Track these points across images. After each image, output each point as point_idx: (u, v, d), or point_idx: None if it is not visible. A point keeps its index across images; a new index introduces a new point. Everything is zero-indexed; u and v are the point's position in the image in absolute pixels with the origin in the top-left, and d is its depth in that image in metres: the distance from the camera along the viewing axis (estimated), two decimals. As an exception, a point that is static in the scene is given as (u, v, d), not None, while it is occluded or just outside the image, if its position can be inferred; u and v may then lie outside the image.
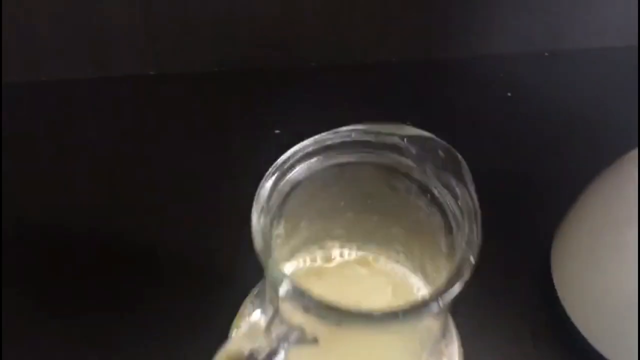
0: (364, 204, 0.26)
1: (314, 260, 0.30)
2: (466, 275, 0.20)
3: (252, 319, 0.22)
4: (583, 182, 0.36)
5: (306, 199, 0.24)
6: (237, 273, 0.32)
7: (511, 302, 0.37)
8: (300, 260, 0.30)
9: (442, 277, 0.26)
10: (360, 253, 0.30)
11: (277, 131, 0.45)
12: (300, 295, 0.20)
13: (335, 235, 0.28)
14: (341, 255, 0.30)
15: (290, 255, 0.29)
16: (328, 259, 0.30)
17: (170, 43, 0.47)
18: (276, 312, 0.22)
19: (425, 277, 0.28)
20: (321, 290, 0.29)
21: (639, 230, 0.31)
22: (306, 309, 0.20)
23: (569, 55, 0.51)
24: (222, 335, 0.26)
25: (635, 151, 0.33)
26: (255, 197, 0.21)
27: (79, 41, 0.46)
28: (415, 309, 0.20)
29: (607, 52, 0.51)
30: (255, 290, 0.29)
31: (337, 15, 0.47)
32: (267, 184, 0.21)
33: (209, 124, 0.46)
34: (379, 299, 0.30)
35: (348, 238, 0.29)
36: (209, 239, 0.38)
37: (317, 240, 0.28)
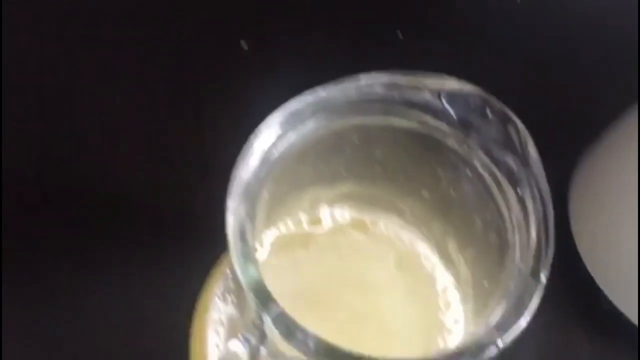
0: (370, 171, 0.19)
1: (298, 224, 0.24)
2: (532, 307, 0.14)
3: (230, 348, 0.16)
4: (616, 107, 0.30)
5: (297, 169, 0.18)
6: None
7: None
8: (281, 226, 0.24)
9: (469, 263, 0.20)
10: (354, 214, 0.24)
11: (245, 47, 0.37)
12: (293, 335, 0.14)
13: (327, 200, 0.22)
14: (332, 217, 0.24)
15: (268, 221, 0.23)
16: (316, 221, 0.24)
17: None
18: (263, 337, 0.16)
19: (442, 254, 0.22)
20: (309, 266, 0.24)
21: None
22: (305, 353, 0.14)
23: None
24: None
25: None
26: (229, 194, 0.14)
27: None
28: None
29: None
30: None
31: None
32: (248, 169, 0.15)
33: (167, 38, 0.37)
34: (381, 271, 0.24)
35: (342, 201, 0.23)
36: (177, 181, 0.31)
37: (306, 206, 0.22)
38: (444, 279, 0.24)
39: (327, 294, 0.23)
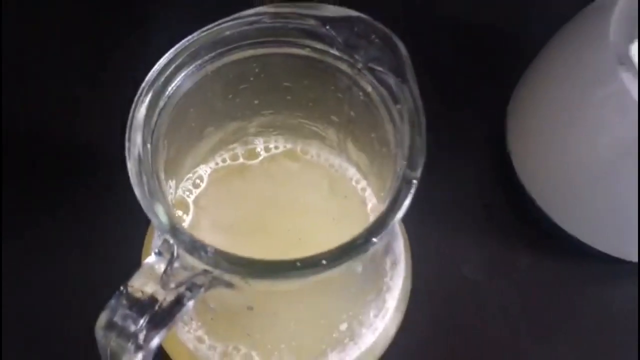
0: (283, 101, 0.21)
1: (234, 157, 0.25)
2: (405, 204, 0.16)
3: (147, 261, 0.18)
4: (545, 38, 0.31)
5: (205, 102, 0.19)
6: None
7: (464, 166, 0.34)
8: (218, 159, 0.25)
9: (378, 179, 0.22)
10: (288, 145, 0.25)
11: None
12: (196, 250, 0.16)
13: (254, 132, 0.23)
14: (266, 149, 0.25)
15: (206, 155, 0.24)
16: (251, 154, 0.25)
17: None
18: (174, 256, 0.17)
19: (360, 171, 0.24)
20: (246, 193, 0.25)
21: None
22: (210, 265, 0.16)
23: None
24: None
25: (603, 3, 0.28)
26: (127, 130, 0.16)
27: None
28: (344, 253, 0.16)
29: None
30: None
31: None
32: (141, 109, 0.16)
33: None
34: (314, 196, 0.26)
35: (270, 133, 0.24)
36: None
37: (236, 139, 0.24)
38: (373, 200, 0.25)
39: (263, 220, 0.25)
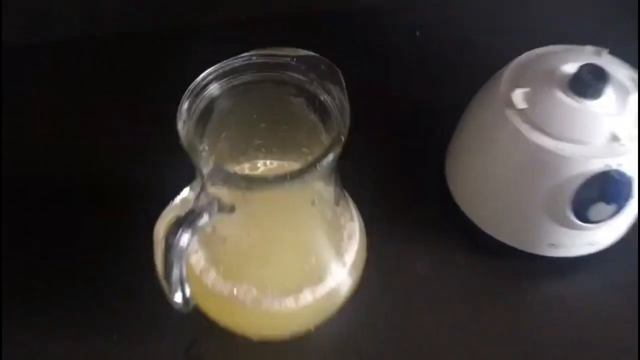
0: (272, 115, 0.33)
1: (242, 170, 0.37)
2: (337, 148, 0.28)
3: (182, 194, 0.30)
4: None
5: (222, 115, 0.31)
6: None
7: (413, 196, 0.46)
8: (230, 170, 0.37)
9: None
10: (280, 162, 0.38)
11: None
12: (219, 170, 0.28)
13: (255, 145, 0.36)
14: (264, 164, 0.38)
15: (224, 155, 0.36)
16: (254, 168, 0.38)
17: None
18: (202, 188, 0.29)
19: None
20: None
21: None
22: (225, 181, 0.28)
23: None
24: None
25: (501, 71, 0.41)
26: (178, 113, 0.28)
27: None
28: (300, 172, 0.28)
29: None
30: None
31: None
32: (185, 103, 0.29)
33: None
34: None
35: (267, 149, 0.36)
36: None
37: (242, 151, 0.36)
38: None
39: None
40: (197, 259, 0.35)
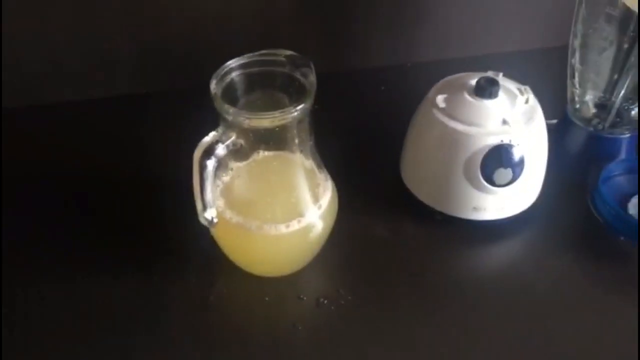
0: (271, 92, 0.50)
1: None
2: (308, 103, 0.45)
3: (210, 135, 0.46)
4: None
5: (239, 92, 0.49)
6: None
7: (374, 178, 0.62)
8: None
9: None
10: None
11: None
12: (238, 112, 0.44)
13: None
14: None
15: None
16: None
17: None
18: (223, 131, 0.46)
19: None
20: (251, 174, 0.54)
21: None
22: (234, 116, 0.44)
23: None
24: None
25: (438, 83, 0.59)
26: (211, 81, 0.46)
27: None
28: (286, 112, 0.44)
29: (446, 62, 0.78)
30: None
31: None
32: (214, 79, 0.46)
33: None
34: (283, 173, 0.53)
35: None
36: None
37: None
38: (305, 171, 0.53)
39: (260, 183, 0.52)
40: (219, 204, 0.51)
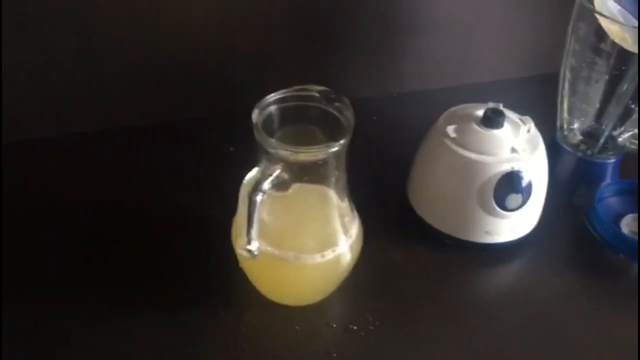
0: (306, 125, 0.52)
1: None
2: (344, 141, 0.47)
3: (253, 171, 0.47)
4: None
5: (278, 122, 0.50)
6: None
7: (385, 208, 0.64)
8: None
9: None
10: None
11: (231, 148, 0.71)
12: (279, 144, 0.46)
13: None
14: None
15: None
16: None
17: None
18: (266, 166, 0.47)
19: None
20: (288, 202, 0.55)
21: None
22: (280, 150, 0.46)
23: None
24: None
25: (437, 120, 0.62)
26: (253, 111, 0.47)
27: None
28: (324, 147, 0.46)
29: (433, 92, 0.82)
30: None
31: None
32: (256, 110, 0.48)
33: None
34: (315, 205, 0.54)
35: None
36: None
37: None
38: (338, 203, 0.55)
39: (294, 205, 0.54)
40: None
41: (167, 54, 0.70)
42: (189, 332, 0.53)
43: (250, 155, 0.68)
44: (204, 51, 0.72)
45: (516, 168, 0.57)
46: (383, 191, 0.66)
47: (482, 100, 0.63)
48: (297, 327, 0.54)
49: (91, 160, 0.70)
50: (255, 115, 0.48)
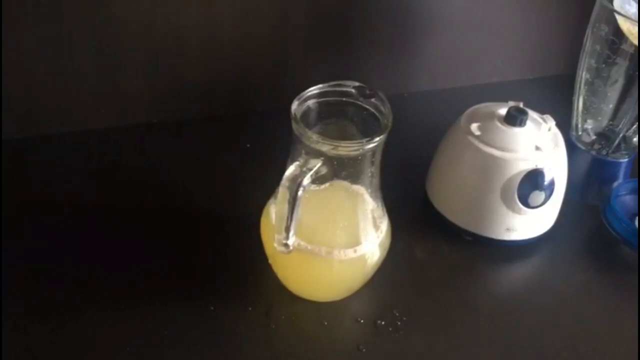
0: (341, 120, 0.52)
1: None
2: (383, 136, 0.47)
3: (292, 167, 0.47)
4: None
5: (314, 116, 0.50)
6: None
7: (405, 205, 0.65)
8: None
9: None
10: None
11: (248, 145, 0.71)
12: (320, 138, 0.46)
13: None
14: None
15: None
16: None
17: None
18: (305, 160, 0.47)
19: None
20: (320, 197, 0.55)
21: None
22: (321, 144, 0.46)
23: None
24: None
25: (459, 118, 0.63)
26: (293, 103, 0.47)
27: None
28: (361, 143, 0.46)
29: (443, 92, 0.83)
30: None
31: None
32: (295, 104, 0.48)
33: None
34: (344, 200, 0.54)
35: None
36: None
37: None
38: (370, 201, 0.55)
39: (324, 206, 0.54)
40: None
41: (182, 52, 0.70)
42: (217, 329, 0.52)
43: (267, 152, 0.69)
44: (219, 49, 0.71)
45: (540, 165, 0.58)
46: (402, 188, 0.67)
47: (493, 100, 0.64)
48: (325, 323, 0.54)
49: (108, 156, 0.69)
50: (294, 107, 0.48)
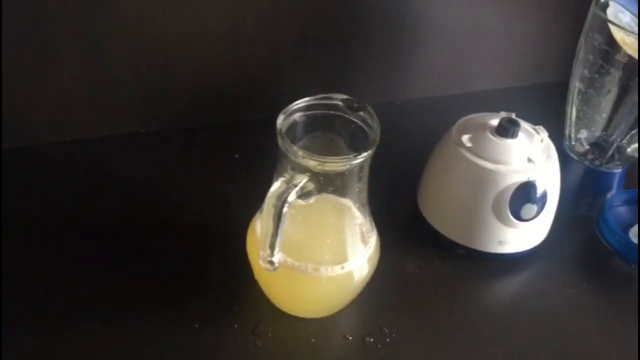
0: (328, 134, 0.50)
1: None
2: (370, 151, 0.46)
3: (277, 183, 0.46)
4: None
5: (300, 129, 0.49)
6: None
7: (396, 218, 0.63)
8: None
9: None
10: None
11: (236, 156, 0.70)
12: (305, 153, 0.45)
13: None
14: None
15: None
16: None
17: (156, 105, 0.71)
18: (291, 176, 0.46)
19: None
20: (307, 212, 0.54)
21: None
22: (307, 159, 0.44)
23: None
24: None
25: (450, 129, 0.62)
26: (279, 117, 0.46)
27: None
28: (350, 157, 0.45)
29: (437, 100, 0.82)
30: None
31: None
32: (281, 115, 0.46)
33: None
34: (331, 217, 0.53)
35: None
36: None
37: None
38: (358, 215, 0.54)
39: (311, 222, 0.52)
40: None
41: (173, 61, 0.69)
42: (202, 347, 0.51)
43: (256, 163, 0.68)
44: (210, 59, 0.70)
45: (532, 178, 0.57)
46: (392, 200, 0.66)
47: (485, 108, 0.63)
48: (312, 340, 0.53)
49: (95, 166, 0.68)
50: (280, 122, 0.47)
